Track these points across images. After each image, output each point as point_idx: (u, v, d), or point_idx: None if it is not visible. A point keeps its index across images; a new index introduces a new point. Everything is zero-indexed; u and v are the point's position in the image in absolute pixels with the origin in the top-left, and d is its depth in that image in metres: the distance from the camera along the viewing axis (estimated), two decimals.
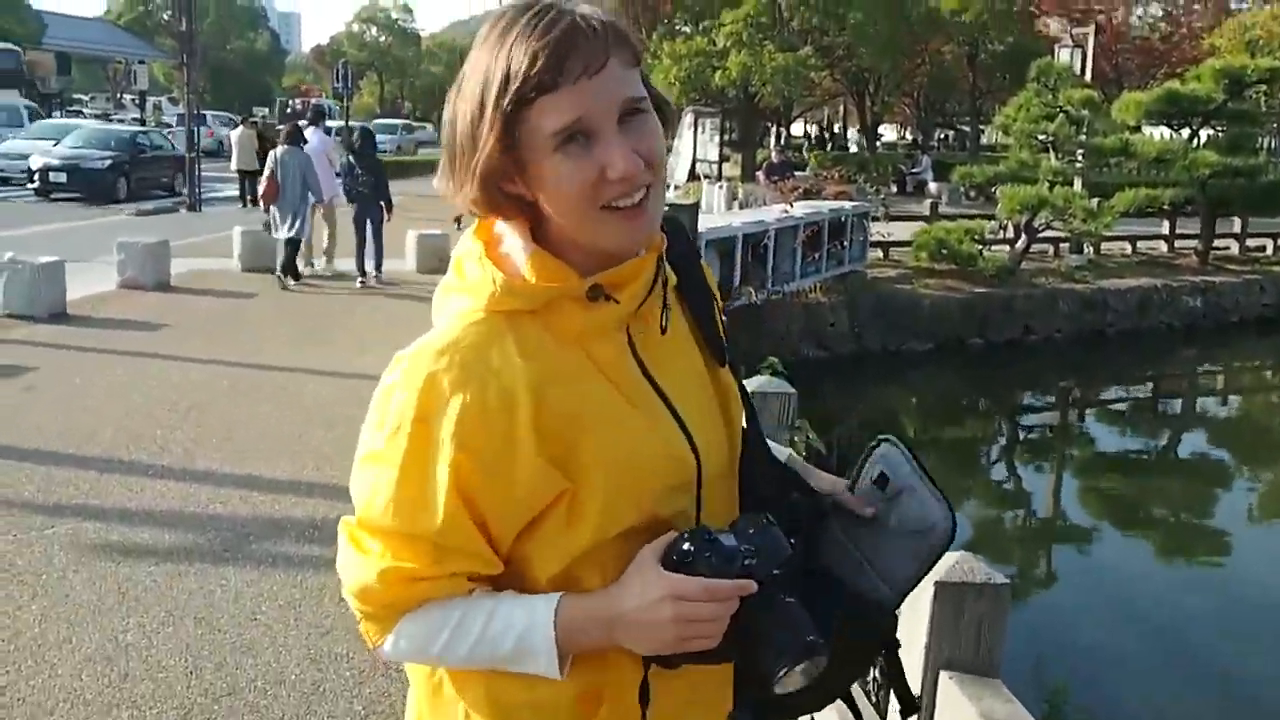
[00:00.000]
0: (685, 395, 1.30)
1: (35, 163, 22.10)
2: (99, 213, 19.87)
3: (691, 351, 1.36)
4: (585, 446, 1.20)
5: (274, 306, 11.35)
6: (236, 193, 23.72)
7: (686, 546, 1.18)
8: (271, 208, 12.58)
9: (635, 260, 1.25)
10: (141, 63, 48.42)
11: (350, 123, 31.54)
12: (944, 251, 16.77)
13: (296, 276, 12.64)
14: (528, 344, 1.20)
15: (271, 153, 13.09)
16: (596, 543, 1.22)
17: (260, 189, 13.17)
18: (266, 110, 46.31)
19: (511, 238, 1.27)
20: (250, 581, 4.74)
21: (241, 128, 24.14)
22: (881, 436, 1.42)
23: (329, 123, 21.27)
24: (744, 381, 4.24)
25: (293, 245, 12.58)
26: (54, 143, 23.37)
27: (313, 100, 45.98)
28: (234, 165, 23.74)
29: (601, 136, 1.18)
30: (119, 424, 6.94)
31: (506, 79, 1.15)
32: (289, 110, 38.32)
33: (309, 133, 13.92)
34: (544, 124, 1.16)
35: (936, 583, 1.86)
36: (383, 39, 75.53)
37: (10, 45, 34.29)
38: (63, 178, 21.91)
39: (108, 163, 22.49)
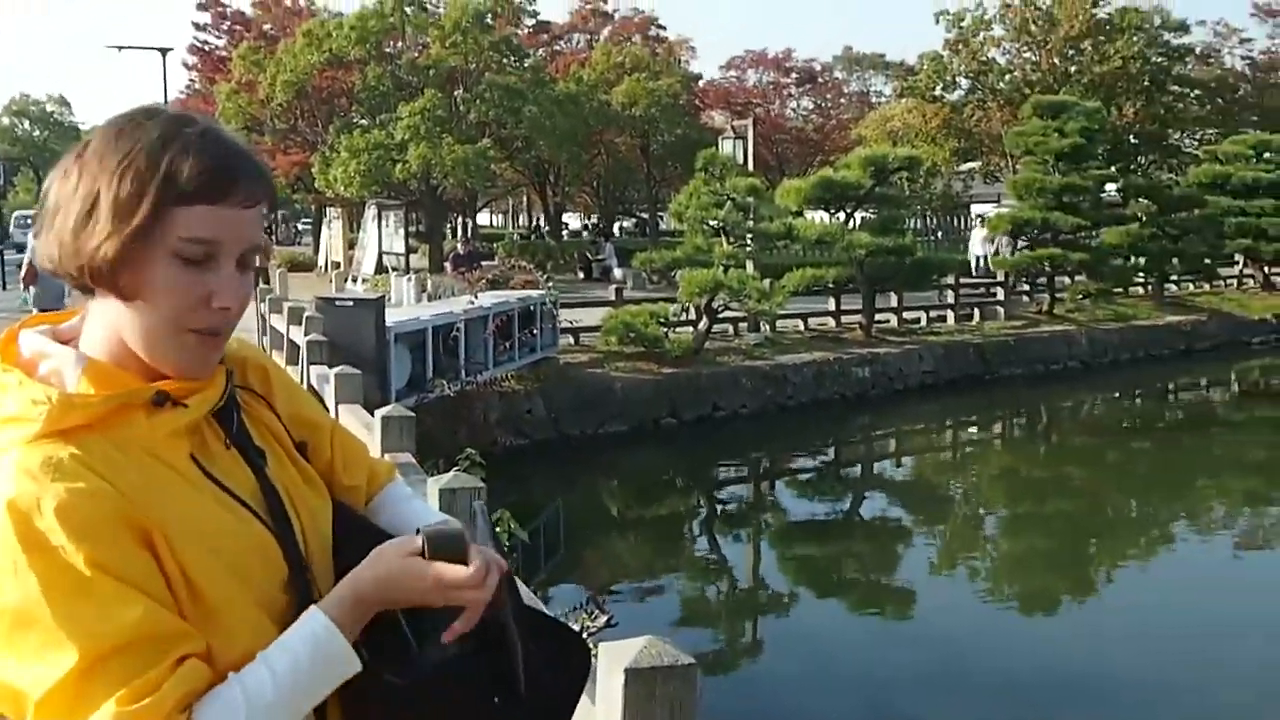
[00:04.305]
0: (266, 491, 1.29)
1: None
2: None
3: (273, 449, 1.36)
4: (188, 549, 1.14)
5: None
6: None
7: None
8: (31, 288, 14.30)
9: None
10: None
11: None
12: (632, 335, 17.22)
13: None
14: (96, 460, 1.13)
15: (33, 242, 14.52)
16: (233, 641, 1.16)
17: (22, 273, 15.17)
18: None
19: (51, 359, 1.22)
20: None
21: None
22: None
23: None
24: (434, 478, 4.18)
25: None
26: None
27: None
28: None
29: (221, 265, 1.20)
30: None
31: (172, 173, 1.16)
32: None
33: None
34: (179, 229, 1.17)
35: (626, 669, 1.88)
36: (38, 133, 71.08)
37: None
38: None
39: None
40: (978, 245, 31.20)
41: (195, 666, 1.09)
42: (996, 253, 28.02)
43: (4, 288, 27.12)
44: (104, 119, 1.26)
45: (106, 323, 1.22)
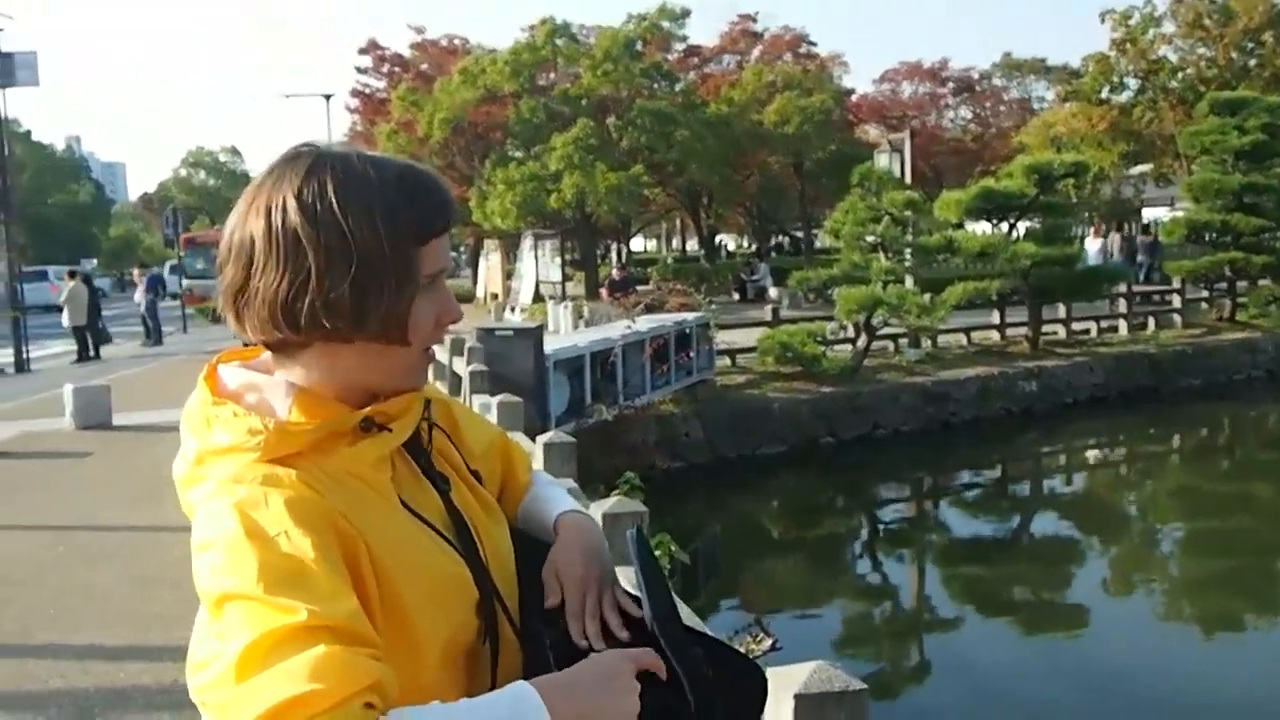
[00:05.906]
0: (453, 518, 1.31)
1: None
2: None
3: (452, 477, 1.38)
4: (393, 568, 1.17)
5: (111, 464, 10.86)
6: (74, 348, 22.88)
7: None
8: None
9: (409, 394, 1.30)
10: None
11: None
12: (788, 354, 17.12)
13: None
14: (311, 479, 1.17)
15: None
16: (422, 662, 1.18)
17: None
18: (95, 261, 45.04)
19: (258, 390, 1.25)
20: None
21: (73, 282, 23.16)
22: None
23: None
24: (597, 504, 4.25)
25: None
26: None
27: None
28: (67, 321, 22.84)
29: (441, 286, 1.28)
30: None
31: (418, 223, 1.23)
32: None
33: None
34: (424, 266, 1.24)
35: (796, 695, 1.84)
36: (212, 182, 74.90)
37: None
38: None
39: None
40: (1092, 255, 29.91)
41: (391, 673, 1.05)
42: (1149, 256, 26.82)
43: (185, 330, 28.45)
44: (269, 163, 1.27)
45: (322, 360, 1.24)
